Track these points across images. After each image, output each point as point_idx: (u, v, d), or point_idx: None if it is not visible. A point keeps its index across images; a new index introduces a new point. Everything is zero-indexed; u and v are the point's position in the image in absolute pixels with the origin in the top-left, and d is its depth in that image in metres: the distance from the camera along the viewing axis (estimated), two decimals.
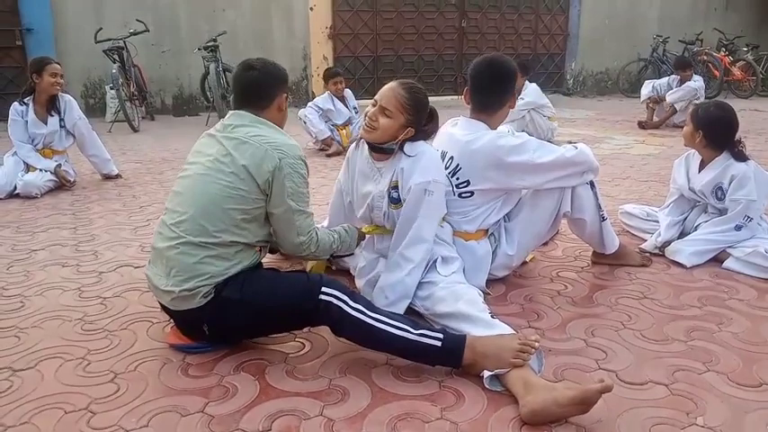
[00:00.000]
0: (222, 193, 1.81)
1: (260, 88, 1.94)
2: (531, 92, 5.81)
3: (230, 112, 1.97)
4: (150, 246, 2.91)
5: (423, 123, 2.14)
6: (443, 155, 2.32)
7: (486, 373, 1.69)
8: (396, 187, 2.12)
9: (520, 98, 5.68)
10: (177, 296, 1.80)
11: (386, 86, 2.12)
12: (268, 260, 2.15)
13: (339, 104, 5.61)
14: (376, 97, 2.12)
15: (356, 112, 5.69)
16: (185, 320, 1.90)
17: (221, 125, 1.94)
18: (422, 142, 2.15)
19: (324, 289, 1.76)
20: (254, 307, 1.81)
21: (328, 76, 5.65)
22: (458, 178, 2.27)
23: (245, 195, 1.82)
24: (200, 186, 1.84)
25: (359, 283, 2.30)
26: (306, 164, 1.93)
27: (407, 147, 2.12)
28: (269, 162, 1.82)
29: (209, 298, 1.80)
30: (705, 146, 2.75)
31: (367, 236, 2.29)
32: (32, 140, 4.22)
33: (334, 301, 1.75)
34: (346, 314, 1.74)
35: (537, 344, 1.70)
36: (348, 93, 5.75)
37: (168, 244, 1.82)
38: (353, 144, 2.35)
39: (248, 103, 1.94)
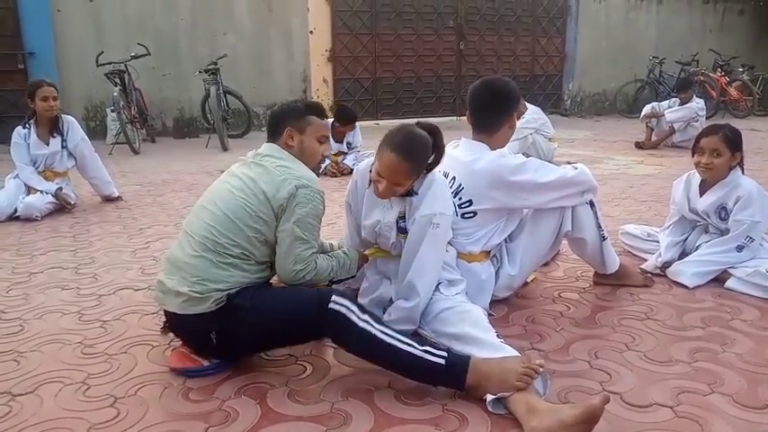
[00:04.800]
0: (242, 210, 1.88)
1: (274, 119, 2.08)
2: (533, 111, 5.85)
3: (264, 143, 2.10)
4: (151, 267, 2.95)
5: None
6: (445, 175, 2.33)
7: (490, 397, 1.68)
8: (403, 217, 2.11)
9: (522, 117, 5.73)
10: (188, 298, 1.83)
11: (387, 159, 1.96)
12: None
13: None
14: (381, 172, 1.99)
15: (349, 148, 5.67)
16: (193, 329, 1.90)
17: (254, 153, 2.05)
18: (430, 173, 2.12)
19: (334, 298, 1.77)
20: (263, 314, 1.83)
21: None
22: (460, 198, 2.27)
23: (262, 217, 1.88)
24: (224, 201, 1.92)
25: (362, 302, 2.29)
26: (323, 199, 1.98)
27: (416, 184, 2.08)
28: (285, 188, 1.88)
29: (220, 305, 1.83)
30: (735, 165, 2.73)
31: (370, 258, 2.28)
32: (34, 162, 4.23)
33: (344, 311, 1.75)
34: (354, 324, 1.74)
35: (541, 369, 1.69)
36: (353, 131, 5.67)
37: (187, 251, 1.89)
38: (364, 166, 2.25)
39: (268, 134, 2.09)
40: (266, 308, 1.84)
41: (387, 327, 1.78)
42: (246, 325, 1.84)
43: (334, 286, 2.27)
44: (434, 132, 2.09)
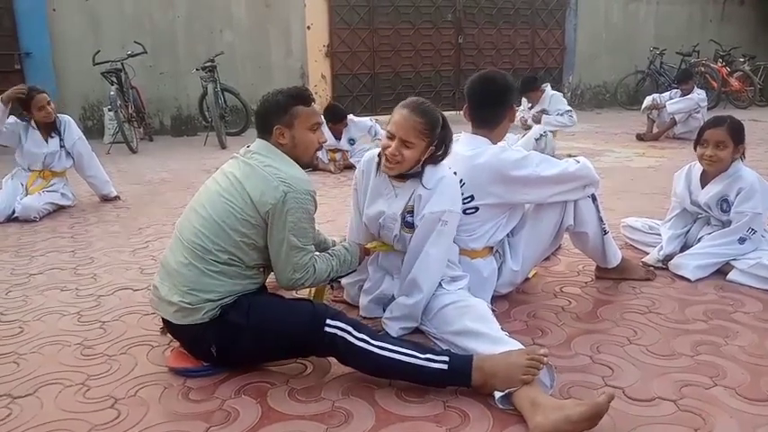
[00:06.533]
0: (229, 213, 1.84)
1: (260, 119, 1.98)
2: (557, 100, 5.90)
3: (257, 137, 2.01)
4: (150, 266, 2.95)
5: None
6: None
7: (498, 394, 1.67)
8: (411, 212, 2.10)
9: (562, 113, 5.76)
10: (179, 308, 1.82)
11: (398, 116, 2.03)
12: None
13: (327, 132, 5.52)
14: (390, 129, 2.03)
15: (351, 144, 5.63)
16: (191, 339, 1.89)
17: (245, 149, 1.98)
18: (441, 168, 2.11)
19: (329, 321, 1.76)
20: (259, 335, 1.81)
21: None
22: (462, 194, 2.25)
23: (249, 221, 1.83)
24: (212, 204, 1.88)
25: (364, 300, 2.29)
26: (314, 199, 1.91)
27: (426, 177, 2.08)
28: (272, 193, 1.81)
29: (213, 317, 1.81)
30: (737, 157, 2.71)
31: (372, 252, 2.26)
32: (33, 162, 4.22)
33: (339, 333, 1.74)
34: (351, 345, 1.74)
35: (545, 358, 1.68)
36: (352, 123, 5.61)
37: (177, 257, 1.87)
38: (371, 154, 2.24)
39: (258, 132, 2.00)
40: (261, 328, 1.81)
41: (384, 341, 1.76)
42: (243, 343, 1.82)
43: (335, 282, 2.26)
44: (443, 117, 2.12)
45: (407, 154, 2.02)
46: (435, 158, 2.10)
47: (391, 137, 2.03)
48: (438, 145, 2.09)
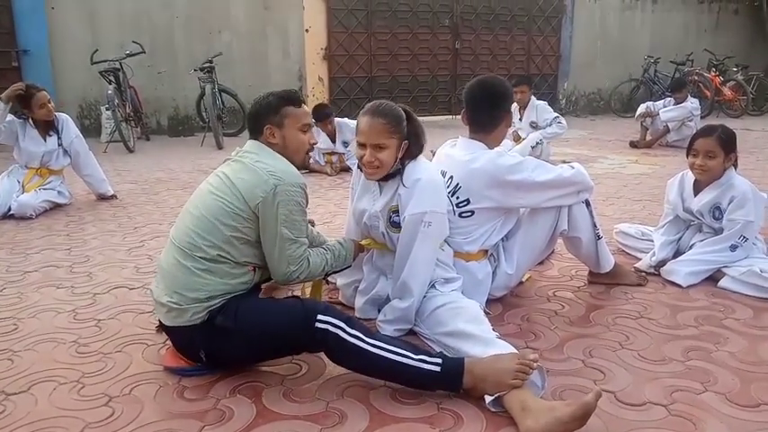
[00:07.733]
0: (218, 207, 1.85)
1: (252, 119, 2.02)
2: (543, 109, 5.92)
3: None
4: (146, 265, 2.95)
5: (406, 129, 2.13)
6: (442, 174, 2.33)
7: (488, 397, 1.68)
8: (397, 212, 2.12)
9: (550, 122, 5.78)
10: (168, 309, 1.83)
11: (363, 124, 2.08)
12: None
13: (323, 136, 5.54)
14: (360, 140, 2.09)
15: (346, 147, 5.60)
16: (182, 341, 1.89)
17: (236, 150, 2.02)
18: (421, 167, 2.13)
19: (320, 317, 1.74)
20: (249, 336, 1.81)
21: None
22: (458, 197, 2.27)
23: (240, 214, 1.84)
24: (203, 203, 1.90)
25: (359, 301, 2.30)
26: (305, 192, 1.93)
27: (405, 175, 2.10)
28: (262, 186, 1.83)
29: (201, 319, 1.81)
30: (730, 166, 2.74)
31: (366, 249, 2.28)
32: (31, 160, 4.22)
33: (331, 329, 1.73)
34: (343, 341, 1.73)
35: (535, 364, 1.69)
36: (342, 125, 5.59)
37: (168, 259, 1.88)
38: None
39: (249, 133, 2.04)
40: (250, 329, 1.80)
41: (378, 339, 1.76)
42: (233, 346, 1.82)
43: (330, 276, 2.26)
44: (406, 110, 2.15)
45: (383, 157, 2.06)
46: (411, 153, 2.13)
47: (363, 145, 2.08)
48: (410, 138, 2.11)
